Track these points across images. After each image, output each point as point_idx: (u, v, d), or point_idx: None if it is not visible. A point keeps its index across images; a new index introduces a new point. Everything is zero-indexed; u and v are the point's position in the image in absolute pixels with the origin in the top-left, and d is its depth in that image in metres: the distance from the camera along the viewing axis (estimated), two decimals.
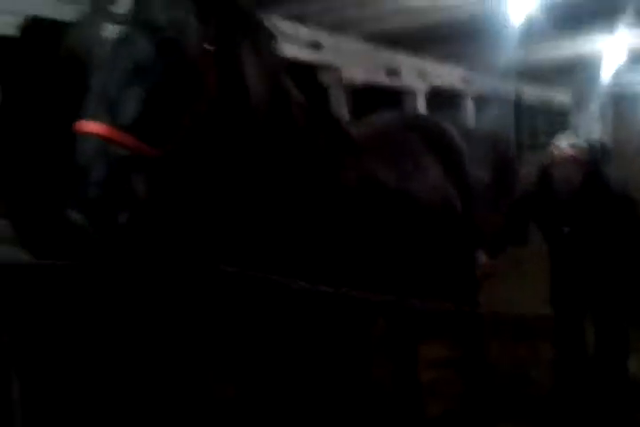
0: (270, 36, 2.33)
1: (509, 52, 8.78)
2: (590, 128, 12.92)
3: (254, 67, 2.17)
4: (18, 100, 4.61)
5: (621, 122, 14.07)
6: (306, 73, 2.66)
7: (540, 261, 3.93)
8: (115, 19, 1.87)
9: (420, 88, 8.38)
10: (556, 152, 3.56)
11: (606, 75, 11.12)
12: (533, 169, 3.97)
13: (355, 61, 7.02)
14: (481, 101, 9.73)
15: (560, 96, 12.58)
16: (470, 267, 3.58)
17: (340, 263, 2.36)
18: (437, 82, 8.73)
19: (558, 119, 12.42)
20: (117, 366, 3.91)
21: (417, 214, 2.75)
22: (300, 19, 5.94)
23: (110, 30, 1.86)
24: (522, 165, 7.04)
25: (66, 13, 4.05)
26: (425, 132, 3.20)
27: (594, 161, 3.78)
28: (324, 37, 6.22)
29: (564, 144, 3.57)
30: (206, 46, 1.96)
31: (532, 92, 10.95)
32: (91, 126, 1.78)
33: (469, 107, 9.34)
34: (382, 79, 7.52)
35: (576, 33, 8.03)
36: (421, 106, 8.29)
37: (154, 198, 1.87)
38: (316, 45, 6.05)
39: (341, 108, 6.65)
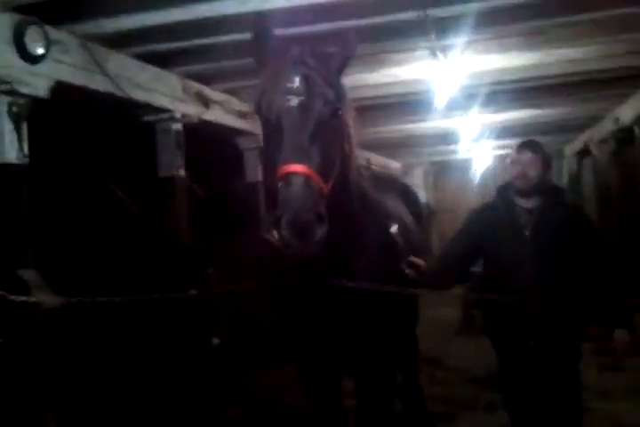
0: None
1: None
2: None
3: (353, 125, 2.84)
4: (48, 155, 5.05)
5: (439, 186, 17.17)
6: None
7: None
8: (293, 91, 2.45)
9: None
10: None
11: (431, 149, 13.75)
12: None
13: None
14: None
15: (395, 164, 15.03)
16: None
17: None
18: None
19: None
20: None
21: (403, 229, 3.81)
22: (232, 92, 7.21)
23: (293, 100, 2.44)
24: None
25: (85, 80, 4.89)
26: (401, 190, 4.78)
27: None
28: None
29: None
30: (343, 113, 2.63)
31: (376, 160, 13.14)
32: (299, 168, 2.28)
33: None
34: None
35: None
36: None
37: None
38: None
39: None
